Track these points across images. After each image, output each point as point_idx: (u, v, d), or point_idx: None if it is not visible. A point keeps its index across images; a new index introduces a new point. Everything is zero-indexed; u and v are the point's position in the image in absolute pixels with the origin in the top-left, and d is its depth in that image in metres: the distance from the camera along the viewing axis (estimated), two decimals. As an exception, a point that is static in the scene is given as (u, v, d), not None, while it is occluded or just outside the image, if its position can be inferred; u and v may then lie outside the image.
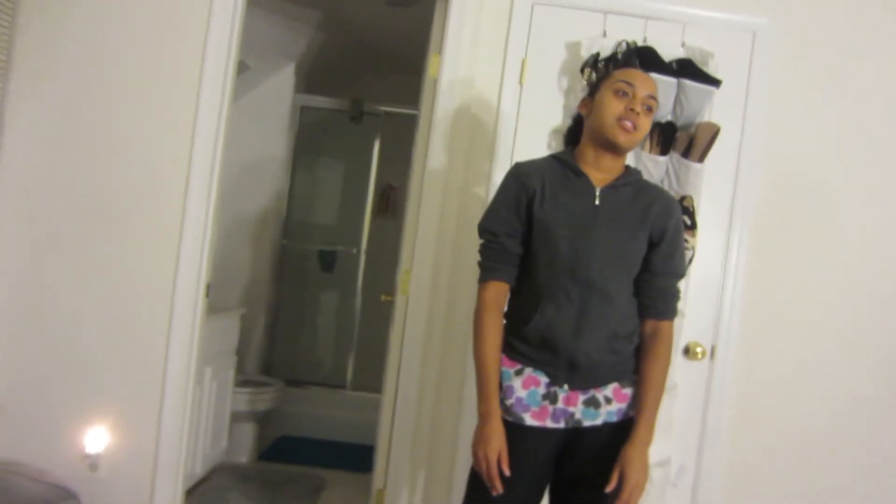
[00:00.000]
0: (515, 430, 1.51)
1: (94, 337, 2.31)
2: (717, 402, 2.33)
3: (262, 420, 3.68)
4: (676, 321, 2.24)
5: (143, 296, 2.31)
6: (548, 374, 1.51)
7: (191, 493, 2.96)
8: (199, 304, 2.35)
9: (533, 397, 1.52)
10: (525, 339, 1.53)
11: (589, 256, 1.49)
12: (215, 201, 2.35)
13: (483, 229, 1.61)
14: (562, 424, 1.51)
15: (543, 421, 1.52)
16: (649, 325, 1.59)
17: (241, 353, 3.47)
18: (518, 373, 1.54)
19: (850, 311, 2.35)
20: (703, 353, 2.32)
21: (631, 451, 1.49)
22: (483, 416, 1.50)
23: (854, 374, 2.34)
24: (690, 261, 2.22)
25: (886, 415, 2.35)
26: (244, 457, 3.53)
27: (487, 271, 1.59)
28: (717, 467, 2.35)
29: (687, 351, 2.32)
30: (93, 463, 2.30)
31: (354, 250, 4.46)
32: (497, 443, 1.47)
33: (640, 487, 1.47)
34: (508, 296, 1.62)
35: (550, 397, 1.50)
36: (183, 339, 2.32)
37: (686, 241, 2.16)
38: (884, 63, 2.36)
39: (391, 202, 4.56)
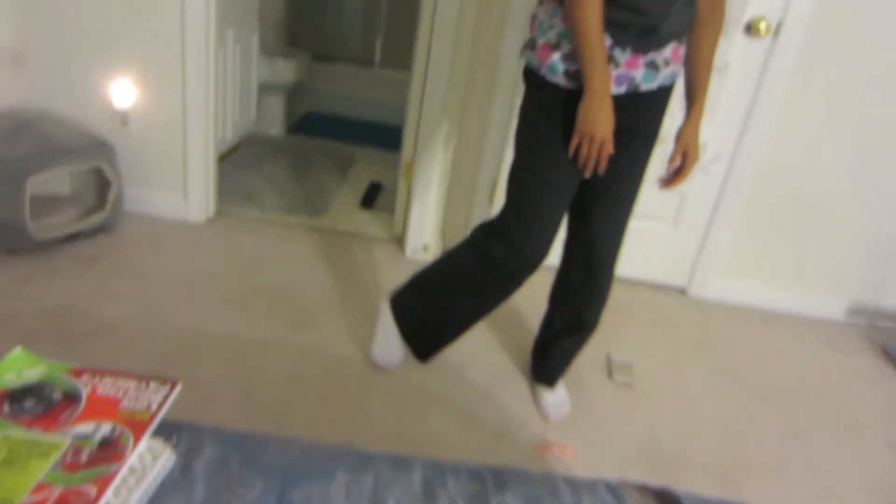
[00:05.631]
0: (578, 98, 1.39)
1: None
2: (772, 85, 2.17)
3: (290, 94, 3.62)
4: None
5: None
6: (612, 35, 1.34)
7: (223, 159, 3.03)
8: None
9: None
10: None
11: None
12: None
13: None
14: (623, 89, 1.40)
15: None
16: None
17: (263, 22, 3.27)
18: None
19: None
20: (768, 30, 2.09)
21: (693, 130, 1.49)
22: (596, 94, 1.34)
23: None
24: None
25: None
26: (274, 129, 3.55)
27: None
28: (754, 157, 2.28)
29: (749, 28, 2.09)
30: (123, 118, 2.30)
31: None
32: (611, 123, 1.36)
33: (697, 160, 1.52)
34: None
35: (613, 61, 1.37)
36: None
37: None
38: None
39: None
